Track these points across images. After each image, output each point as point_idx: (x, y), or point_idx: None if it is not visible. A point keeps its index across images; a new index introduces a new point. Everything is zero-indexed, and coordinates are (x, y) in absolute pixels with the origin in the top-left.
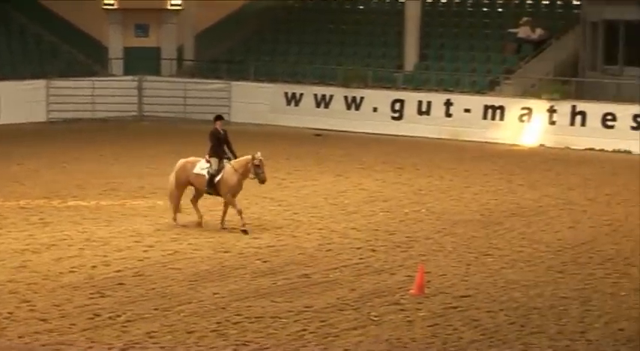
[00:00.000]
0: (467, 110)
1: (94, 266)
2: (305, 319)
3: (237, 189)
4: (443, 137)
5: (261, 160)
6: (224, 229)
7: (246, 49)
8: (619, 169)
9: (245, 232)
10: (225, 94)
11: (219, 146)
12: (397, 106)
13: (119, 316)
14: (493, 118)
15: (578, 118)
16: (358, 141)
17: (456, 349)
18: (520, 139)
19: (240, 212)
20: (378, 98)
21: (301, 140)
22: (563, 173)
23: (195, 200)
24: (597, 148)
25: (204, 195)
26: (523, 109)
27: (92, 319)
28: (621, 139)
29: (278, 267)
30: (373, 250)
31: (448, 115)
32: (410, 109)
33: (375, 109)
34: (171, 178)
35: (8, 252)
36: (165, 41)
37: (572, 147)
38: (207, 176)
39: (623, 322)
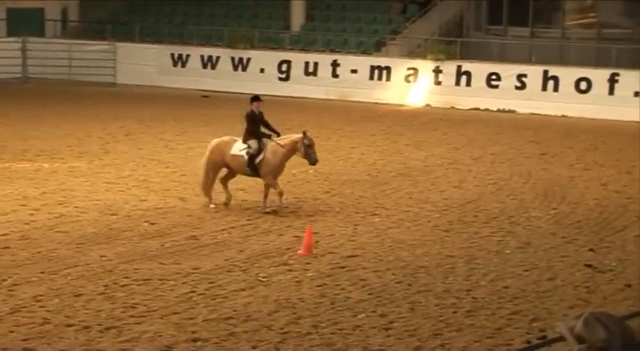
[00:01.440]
0: (354, 71)
1: None
2: (193, 280)
3: (279, 169)
4: (330, 98)
5: (311, 139)
6: (267, 212)
7: (132, 10)
8: (504, 128)
9: (275, 212)
10: (110, 55)
11: (257, 128)
12: (284, 67)
13: (5, 280)
14: (380, 79)
15: (464, 78)
16: (245, 102)
17: (344, 308)
18: (406, 100)
19: (281, 194)
20: (265, 59)
21: (188, 102)
22: (448, 133)
23: (225, 180)
24: (482, 107)
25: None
26: (409, 69)
27: None
28: (506, 99)
29: (166, 229)
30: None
31: (335, 75)
32: (297, 70)
33: (262, 70)
34: (203, 160)
35: None
36: (49, 2)
37: (458, 107)
38: (246, 157)
39: (508, 279)
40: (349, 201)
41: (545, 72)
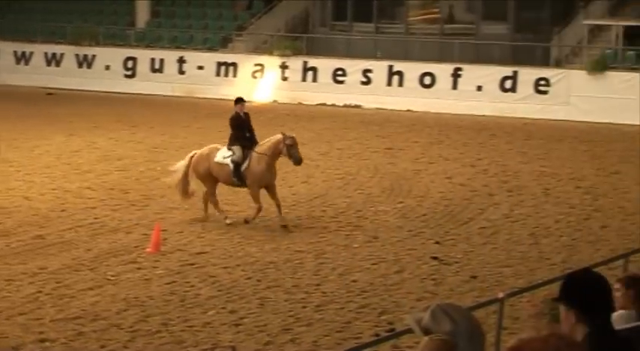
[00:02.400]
0: (200, 67)
1: None
2: (40, 280)
3: (267, 178)
4: (176, 95)
5: (293, 138)
6: (283, 226)
7: None
8: (350, 123)
9: (246, 222)
10: None
11: (242, 132)
12: (130, 64)
13: None
14: (226, 75)
15: (310, 73)
16: (91, 99)
17: (193, 305)
18: (253, 95)
19: (259, 210)
20: (110, 56)
21: (32, 99)
22: (295, 128)
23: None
24: (329, 103)
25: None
26: (256, 65)
27: None
28: (352, 94)
29: (11, 229)
30: (109, 210)
31: (181, 72)
32: (143, 67)
33: (107, 67)
34: (179, 174)
35: None
36: None
37: (305, 102)
38: (231, 166)
39: (356, 273)
40: (197, 197)
41: (390, 67)
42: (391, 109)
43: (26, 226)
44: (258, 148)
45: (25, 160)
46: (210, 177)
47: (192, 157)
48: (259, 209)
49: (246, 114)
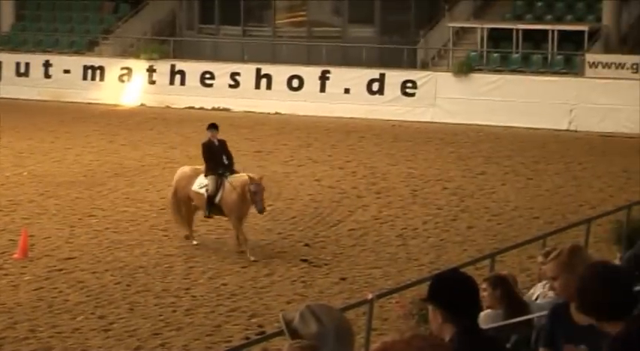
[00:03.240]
0: (66, 71)
1: None
2: None
3: (241, 209)
4: (43, 99)
5: (258, 184)
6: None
7: None
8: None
9: (242, 252)
10: None
11: (214, 161)
12: None
13: None
14: (93, 79)
15: (178, 77)
16: None
17: (62, 311)
18: (121, 99)
19: (243, 240)
20: None
21: None
22: (164, 132)
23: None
24: (197, 106)
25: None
26: (123, 68)
27: None
28: (220, 97)
29: None
30: None
31: (47, 76)
32: (8, 71)
33: None
34: (170, 193)
35: None
36: None
37: (173, 106)
38: (205, 195)
39: (226, 276)
40: (65, 203)
41: (258, 70)
42: (260, 112)
43: None
44: (232, 179)
45: None
46: (188, 201)
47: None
48: (243, 240)
49: (221, 141)
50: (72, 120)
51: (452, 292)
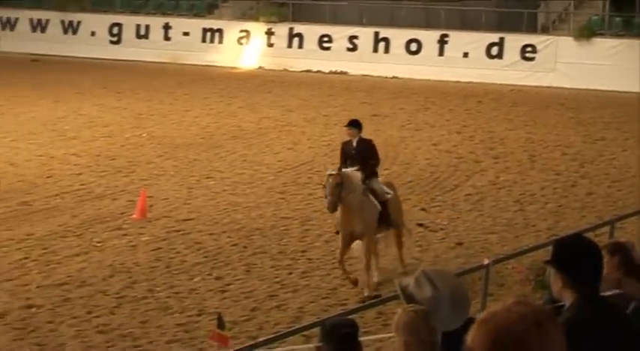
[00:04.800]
0: (186, 33)
1: None
2: (27, 246)
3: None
4: (162, 61)
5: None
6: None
7: None
8: (336, 90)
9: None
10: None
11: (343, 163)
12: (115, 30)
13: None
14: (212, 41)
15: (296, 40)
16: (76, 66)
17: (179, 272)
18: (239, 62)
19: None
20: (96, 22)
21: (17, 66)
22: (282, 95)
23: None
24: (314, 69)
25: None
26: (241, 31)
27: None
28: (337, 61)
29: None
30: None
31: (167, 38)
32: (128, 33)
33: (92, 34)
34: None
35: None
36: None
37: (290, 69)
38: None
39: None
40: (183, 164)
41: (376, 33)
42: (377, 76)
43: (12, 192)
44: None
45: (10, 126)
46: None
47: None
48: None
49: (364, 142)
50: (190, 82)
51: (575, 257)
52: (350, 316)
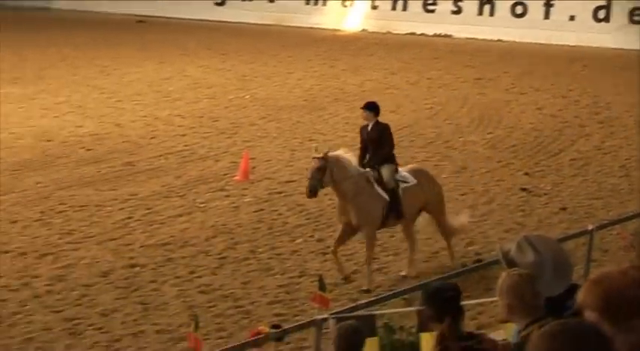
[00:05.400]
0: None
1: None
2: (130, 206)
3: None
4: (266, 23)
5: None
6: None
7: None
8: (440, 53)
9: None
10: None
11: (362, 153)
12: None
13: None
14: (316, 3)
15: (400, 2)
16: (181, 27)
17: (281, 233)
18: (343, 24)
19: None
20: None
21: (123, 27)
22: (385, 57)
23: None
24: (418, 32)
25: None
26: None
27: None
28: (442, 24)
29: (102, 155)
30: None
31: (271, 0)
32: None
33: None
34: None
35: None
36: None
37: (394, 31)
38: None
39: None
40: (286, 126)
41: None
42: (482, 39)
43: (117, 152)
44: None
45: (116, 87)
46: None
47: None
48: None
49: (376, 125)
50: (294, 44)
51: None
52: (451, 280)
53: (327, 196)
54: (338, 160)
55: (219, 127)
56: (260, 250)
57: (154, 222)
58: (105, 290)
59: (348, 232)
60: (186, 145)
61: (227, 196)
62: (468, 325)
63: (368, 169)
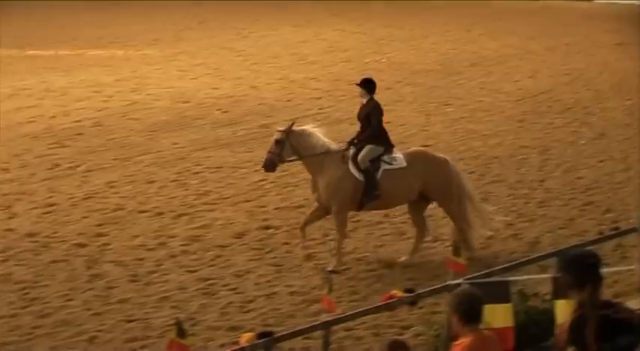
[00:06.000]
0: None
1: (53, 116)
2: None
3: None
4: None
5: None
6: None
7: None
8: (578, 17)
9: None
10: None
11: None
12: None
13: (78, 166)
14: None
15: None
16: None
17: None
18: None
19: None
20: None
21: None
22: (522, 23)
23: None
24: None
25: None
26: None
27: (52, 169)
28: None
29: (238, 117)
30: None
31: None
32: None
33: None
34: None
35: None
36: None
37: None
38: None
39: (581, 170)
40: (421, 90)
41: None
42: (622, 4)
43: (252, 115)
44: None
45: (252, 49)
46: None
47: None
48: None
49: (367, 103)
50: (431, 8)
51: None
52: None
53: (463, 161)
54: (301, 135)
55: (355, 91)
56: (394, 213)
57: (288, 184)
58: (239, 251)
59: (319, 208)
60: (321, 109)
61: None
62: (605, 294)
63: (344, 147)
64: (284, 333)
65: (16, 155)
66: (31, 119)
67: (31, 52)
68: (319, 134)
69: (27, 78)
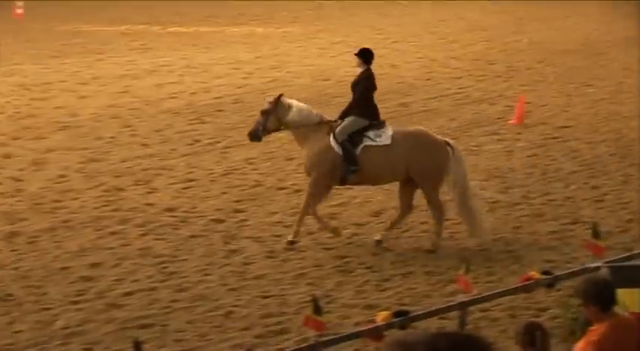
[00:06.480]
0: None
1: (193, 93)
2: None
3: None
4: None
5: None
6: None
7: None
8: None
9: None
10: None
11: None
12: None
13: (218, 142)
14: None
15: None
16: None
17: (555, 179)
18: None
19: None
20: None
21: None
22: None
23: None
24: None
25: None
26: None
27: (192, 144)
28: None
29: (377, 95)
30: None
31: None
32: None
33: None
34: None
35: (110, 77)
36: None
37: None
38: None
39: None
40: (563, 71)
41: None
42: None
43: (391, 93)
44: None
45: (392, 28)
46: None
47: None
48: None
49: (360, 73)
50: None
51: None
52: None
53: (604, 143)
54: (289, 107)
55: (495, 71)
56: (532, 195)
57: None
58: (376, 230)
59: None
60: (460, 88)
61: (500, 140)
62: None
63: (334, 119)
64: (420, 312)
65: (157, 131)
66: (173, 95)
67: (172, 29)
68: (307, 107)
69: (168, 55)
